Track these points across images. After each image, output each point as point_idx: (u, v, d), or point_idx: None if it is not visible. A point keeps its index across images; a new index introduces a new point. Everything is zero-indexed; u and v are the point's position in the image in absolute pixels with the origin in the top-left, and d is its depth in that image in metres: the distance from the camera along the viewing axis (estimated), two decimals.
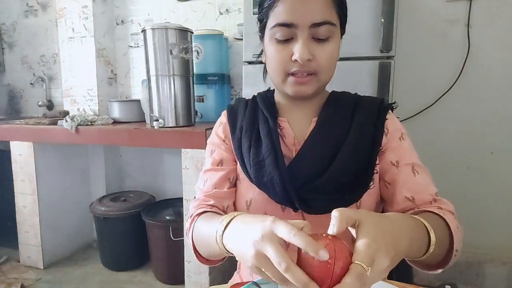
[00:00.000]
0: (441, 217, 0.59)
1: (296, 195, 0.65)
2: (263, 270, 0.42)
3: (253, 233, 0.44)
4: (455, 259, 0.58)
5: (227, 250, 0.52)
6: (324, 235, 0.43)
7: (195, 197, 0.76)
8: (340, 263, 0.39)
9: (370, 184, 0.66)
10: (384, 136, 0.69)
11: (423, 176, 0.67)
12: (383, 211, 0.76)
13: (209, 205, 0.71)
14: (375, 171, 0.67)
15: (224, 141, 0.77)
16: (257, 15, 0.70)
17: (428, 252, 0.53)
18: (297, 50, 0.62)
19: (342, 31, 0.70)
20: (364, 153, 0.66)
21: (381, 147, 0.69)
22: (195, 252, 0.67)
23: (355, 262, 0.39)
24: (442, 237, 0.56)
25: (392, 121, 0.71)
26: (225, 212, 0.72)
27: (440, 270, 0.60)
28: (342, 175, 0.65)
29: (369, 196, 0.67)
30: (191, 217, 0.69)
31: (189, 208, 0.74)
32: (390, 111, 0.73)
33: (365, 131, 0.67)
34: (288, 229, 0.41)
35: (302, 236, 0.39)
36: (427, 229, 0.53)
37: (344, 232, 0.42)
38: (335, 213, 0.43)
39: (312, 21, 0.61)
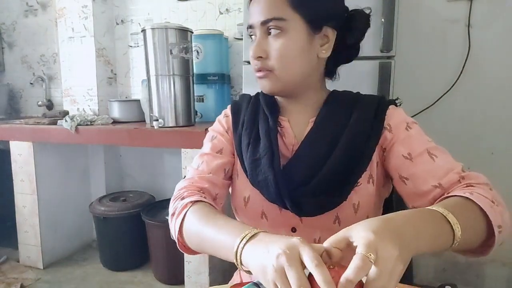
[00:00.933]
0: (468, 198, 0.54)
1: (289, 197, 0.65)
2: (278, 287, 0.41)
3: (278, 247, 0.42)
4: (501, 235, 0.54)
5: (242, 263, 0.49)
6: (333, 266, 0.42)
7: (185, 176, 0.74)
8: None
9: (358, 182, 0.66)
10: (388, 132, 0.67)
11: (442, 157, 0.64)
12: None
13: (201, 188, 0.69)
14: (365, 170, 0.66)
15: (226, 132, 0.78)
16: None
17: (456, 237, 0.49)
18: (250, 48, 0.67)
19: (317, 26, 0.65)
20: (357, 153, 0.65)
21: (381, 145, 0.68)
22: (178, 239, 0.64)
23: (357, 252, 0.39)
24: (471, 219, 0.52)
25: (395, 115, 0.68)
26: (215, 200, 0.71)
27: (490, 250, 0.56)
28: (333, 176, 0.64)
29: (368, 197, 0.67)
30: (181, 199, 0.65)
31: (177, 186, 0.71)
32: (393, 105, 0.71)
33: (360, 130, 0.66)
34: (312, 257, 0.40)
35: (322, 271, 0.38)
36: (443, 215, 0.49)
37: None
38: (324, 244, 0.43)
39: (261, 19, 0.65)
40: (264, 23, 0.64)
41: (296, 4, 0.63)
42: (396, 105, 0.72)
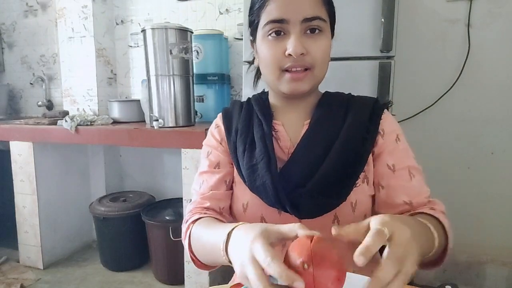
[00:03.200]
0: (435, 217, 0.60)
1: (288, 200, 0.65)
2: None
3: (240, 254, 0.45)
4: (447, 257, 0.60)
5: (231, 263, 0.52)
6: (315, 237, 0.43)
7: (191, 200, 0.76)
8: (321, 271, 0.39)
9: (356, 183, 0.67)
10: (380, 137, 0.69)
11: (418, 178, 0.68)
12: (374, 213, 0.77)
13: (205, 207, 0.71)
14: (362, 171, 0.67)
15: (220, 143, 0.77)
16: (248, 18, 0.71)
17: (431, 253, 0.54)
18: (291, 44, 0.63)
19: (332, 33, 0.71)
20: (353, 155, 0.66)
21: (373, 148, 0.69)
22: (192, 259, 0.68)
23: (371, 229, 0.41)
24: (441, 238, 0.57)
25: (388, 121, 0.71)
26: (221, 214, 0.72)
27: (435, 268, 0.61)
28: (330, 178, 0.65)
29: (364, 196, 0.68)
30: (186, 223, 0.70)
31: (186, 210, 0.75)
32: (386, 110, 0.73)
33: (355, 133, 0.67)
34: (264, 257, 0.41)
35: (276, 266, 0.39)
36: (431, 232, 0.54)
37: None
38: (333, 230, 0.45)
39: (304, 16, 0.63)
40: (306, 20, 0.63)
41: (328, 7, 0.67)
42: (388, 109, 0.74)
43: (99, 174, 2.27)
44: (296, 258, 0.40)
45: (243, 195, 0.72)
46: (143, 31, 1.62)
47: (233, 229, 0.52)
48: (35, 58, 2.45)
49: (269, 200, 0.67)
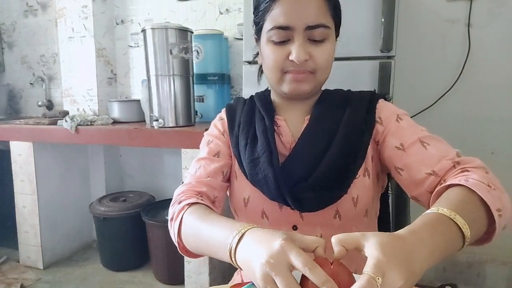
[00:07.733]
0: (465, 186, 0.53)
1: (289, 194, 0.65)
2: None
3: (262, 256, 0.43)
4: (502, 219, 0.52)
5: (237, 264, 0.49)
6: (331, 262, 0.43)
7: (183, 182, 0.73)
8: None
9: (357, 176, 0.67)
10: (379, 125, 0.69)
11: (435, 144, 0.64)
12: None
13: (199, 192, 0.69)
14: (362, 164, 0.67)
15: (222, 135, 0.78)
16: (252, 18, 0.71)
17: (466, 238, 0.48)
18: (294, 51, 0.64)
19: (337, 34, 0.71)
20: (353, 148, 0.67)
21: (374, 137, 0.69)
22: (178, 242, 0.65)
23: (364, 272, 0.39)
24: (473, 211, 0.51)
25: (384, 108, 0.70)
26: (214, 203, 0.71)
27: (494, 236, 0.54)
28: (331, 171, 0.65)
29: (365, 190, 0.68)
30: (179, 203, 0.66)
31: (175, 191, 0.71)
32: (383, 99, 0.73)
33: (354, 125, 0.68)
34: (303, 263, 0.40)
35: (321, 274, 0.39)
36: (450, 219, 0.48)
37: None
38: (332, 239, 0.43)
39: (307, 23, 0.63)
40: (310, 28, 0.63)
41: (335, 14, 0.67)
42: (386, 99, 0.74)
43: (99, 174, 2.27)
44: None
45: (244, 189, 0.72)
46: (143, 31, 1.62)
47: (246, 231, 0.49)
48: (35, 58, 2.45)
49: (271, 194, 0.67)
